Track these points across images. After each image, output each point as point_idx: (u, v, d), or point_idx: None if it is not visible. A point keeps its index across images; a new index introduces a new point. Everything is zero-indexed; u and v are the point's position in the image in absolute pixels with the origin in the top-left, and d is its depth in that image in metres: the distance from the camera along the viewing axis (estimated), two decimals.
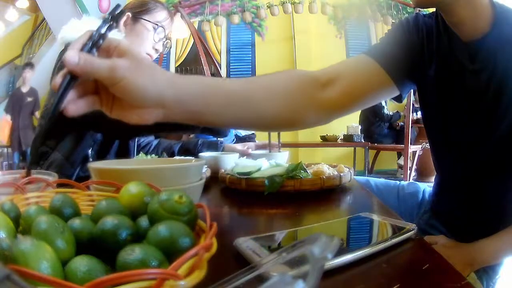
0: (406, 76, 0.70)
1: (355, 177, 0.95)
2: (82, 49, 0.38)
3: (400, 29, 0.73)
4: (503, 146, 0.68)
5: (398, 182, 1.02)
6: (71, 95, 0.39)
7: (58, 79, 0.38)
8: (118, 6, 0.43)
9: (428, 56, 0.71)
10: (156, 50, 1.10)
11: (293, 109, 0.60)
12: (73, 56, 0.36)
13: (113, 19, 0.41)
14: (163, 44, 1.11)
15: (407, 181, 0.98)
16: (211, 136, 1.20)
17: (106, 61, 0.38)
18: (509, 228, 0.70)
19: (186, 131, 0.92)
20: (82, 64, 0.37)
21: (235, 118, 0.55)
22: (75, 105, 0.40)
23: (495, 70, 0.64)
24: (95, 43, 0.39)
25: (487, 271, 0.72)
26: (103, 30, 0.39)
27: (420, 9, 0.71)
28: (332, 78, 0.64)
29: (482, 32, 0.63)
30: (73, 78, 0.38)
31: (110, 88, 0.40)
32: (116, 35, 0.99)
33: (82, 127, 0.95)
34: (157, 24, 1.07)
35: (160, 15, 1.08)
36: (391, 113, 4.37)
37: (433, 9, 0.70)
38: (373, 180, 1.02)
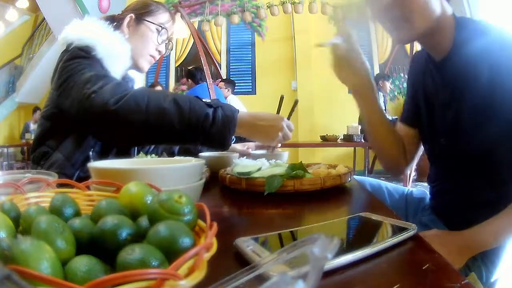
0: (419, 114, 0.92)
1: (364, 177, 1.04)
2: None
3: (408, 83, 0.98)
4: (474, 152, 0.78)
5: (407, 188, 1.09)
6: None
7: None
8: None
9: (420, 83, 0.90)
10: (159, 51, 1.10)
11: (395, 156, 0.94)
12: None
13: None
14: (165, 46, 1.12)
15: (417, 188, 1.07)
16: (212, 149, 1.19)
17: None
18: (505, 210, 0.71)
19: (186, 143, 0.91)
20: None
21: (377, 142, 0.93)
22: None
23: (456, 85, 0.77)
24: None
25: (486, 265, 0.73)
26: None
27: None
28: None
29: (447, 51, 0.77)
30: None
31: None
32: (119, 36, 0.99)
33: (83, 131, 0.95)
34: (161, 26, 1.07)
35: (163, 17, 1.09)
36: (389, 118, 4.37)
37: None
38: (384, 184, 1.08)
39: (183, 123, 0.75)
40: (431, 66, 0.83)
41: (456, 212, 0.84)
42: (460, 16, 0.77)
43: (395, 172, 0.98)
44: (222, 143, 0.78)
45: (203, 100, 0.79)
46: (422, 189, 1.07)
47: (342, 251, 0.36)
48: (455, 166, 0.83)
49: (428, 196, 1.02)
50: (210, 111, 0.76)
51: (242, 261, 0.36)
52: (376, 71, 5.34)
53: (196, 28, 4.60)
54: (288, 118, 0.90)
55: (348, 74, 0.82)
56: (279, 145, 1.22)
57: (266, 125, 0.83)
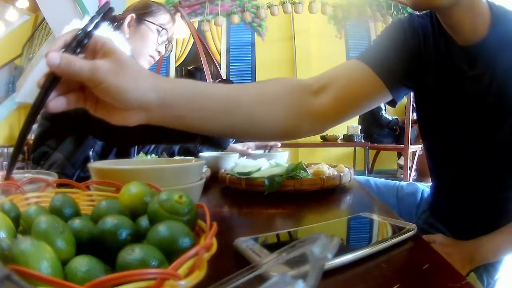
0: (400, 82, 0.68)
1: (354, 176, 0.96)
2: (66, 49, 0.38)
3: (394, 32, 0.71)
4: (504, 148, 0.68)
5: (397, 182, 1.03)
6: (54, 92, 0.39)
7: (42, 78, 0.38)
8: (107, 3, 0.43)
9: (426, 62, 0.70)
10: (159, 52, 1.11)
11: (286, 116, 0.58)
12: (55, 57, 0.36)
13: (102, 16, 0.41)
14: (165, 47, 1.12)
15: (407, 182, 0.99)
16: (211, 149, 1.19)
17: (87, 62, 0.38)
18: (509, 225, 0.69)
19: (186, 143, 0.91)
20: (63, 65, 0.36)
21: (223, 125, 0.52)
22: (57, 102, 0.40)
23: (495, 74, 0.63)
24: (80, 42, 0.38)
25: (487, 269, 0.72)
26: (89, 28, 0.39)
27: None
28: (324, 84, 0.62)
29: (481, 36, 0.62)
30: (55, 78, 0.38)
31: (92, 89, 0.39)
32: (119, 36, 0.99)
33: (83, 132, 0.95)
34: (161, 27, 1.07)
35: (163, 18, 1.09)
36: (389, 118, 4.36)
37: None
38: (373, 180, 1.03)
39: None
40: (451, 51, 0.66)
41: (461, 217, 0.79)
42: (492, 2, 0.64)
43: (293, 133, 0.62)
44: (221, 143, 0.78)
45: None
46: (414, 183, 1.01)
47: (342, 251, 0.36)
48: (480, 166, 0.71)
49: (420, 190, 0.98)
50: None
51: (242, 261, 0.36)
52: None
53: (196, 28, 4.60)
54: None
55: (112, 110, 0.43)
56: (279, 144, 1.22)
57: None
